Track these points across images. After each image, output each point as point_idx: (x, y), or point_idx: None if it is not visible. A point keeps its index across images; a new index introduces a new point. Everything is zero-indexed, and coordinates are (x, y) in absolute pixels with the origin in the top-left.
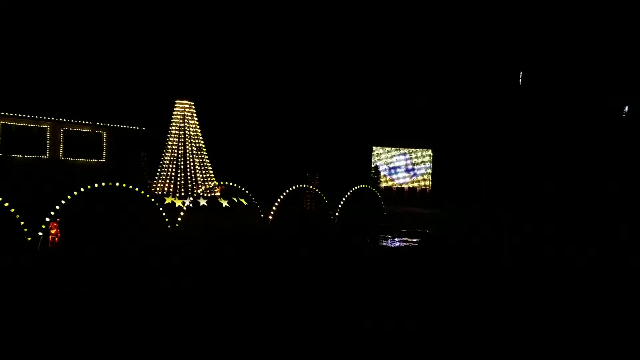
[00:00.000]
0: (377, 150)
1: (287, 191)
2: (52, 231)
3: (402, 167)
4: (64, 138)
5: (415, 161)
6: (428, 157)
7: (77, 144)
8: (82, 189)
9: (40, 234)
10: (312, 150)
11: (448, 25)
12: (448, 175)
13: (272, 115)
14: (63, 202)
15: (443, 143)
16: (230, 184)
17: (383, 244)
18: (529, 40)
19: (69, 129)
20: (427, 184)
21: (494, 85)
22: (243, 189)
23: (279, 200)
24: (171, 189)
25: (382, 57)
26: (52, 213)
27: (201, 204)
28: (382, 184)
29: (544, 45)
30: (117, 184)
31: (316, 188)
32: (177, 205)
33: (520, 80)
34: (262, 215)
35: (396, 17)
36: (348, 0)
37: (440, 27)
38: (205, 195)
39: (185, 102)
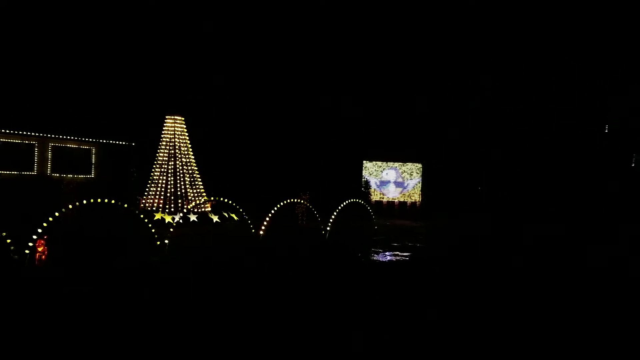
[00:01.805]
0: (367, 164)
1: (279, 206)
2: (39, 249)
3: (393, 181)
4: (52, 154)
5: (405, 175)
6: (418, 170)
7: (66, 160)
8: (70, 206)
9: (27, 251)
10: (303, 165)
11: (434, 41)
12: (437, 189)
13: (264, 131)
14: (50, 219)
15: (432, 157)
16: (221, 199)
17: (374, 258)
18: (514, 54)
19: (57, 144)
20: (417, 197)
21: (481, 99)
22: (234, 204)
23: (270, 215)
24: (161, 205)
25: (372, 73)
26: (40, 230)
27: (191, 220)
28: (373, 198)
29: (529, 58)
30: (106, 200)
31: (307, 203)
32: (166, 221)
33: (506, 94)
34: (254, 230)
35: (383, 34)
36: (337, 18)
37: (426, 43)
38: (196, 210)
39: (175, 117)
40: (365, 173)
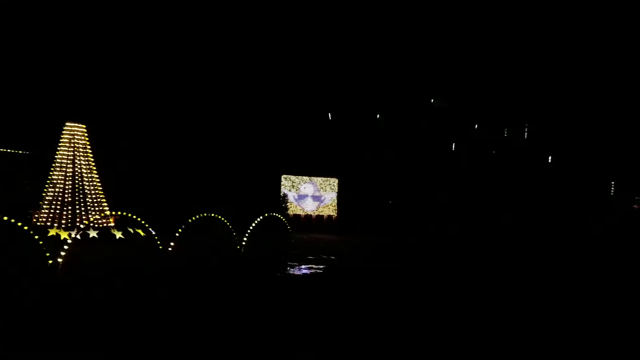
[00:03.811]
0: (286, 178)
1: (191, 220)
2: None
3: (310, 195)
4: None
5: (322, 189)
6: (334, 185)
7: None
8: None
9: None
10: (220, 179)
11: (354, 58)
12: (352, 203)
13: (177, 142)
14: None
15: (347, 172)
16: (126, 213)
17: (289, 271)
18: (431, 71)
19: None
20: (333, 211)
21: (396, 118)
22: (140, 219)
23: (180, 230)
24: (56, 220)
25: (292, 88)
26: None
27: (91, 236)
28: (291, 212)
29: (444, 74)
30: None
31: (222, 217)
32: (62, 238)
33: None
34: (162, 247)
35: (306, 50)
36: (261, 28)
37: (347, 61)
38: (96, 225)
39: (76, 124)
40: (283, 187)
